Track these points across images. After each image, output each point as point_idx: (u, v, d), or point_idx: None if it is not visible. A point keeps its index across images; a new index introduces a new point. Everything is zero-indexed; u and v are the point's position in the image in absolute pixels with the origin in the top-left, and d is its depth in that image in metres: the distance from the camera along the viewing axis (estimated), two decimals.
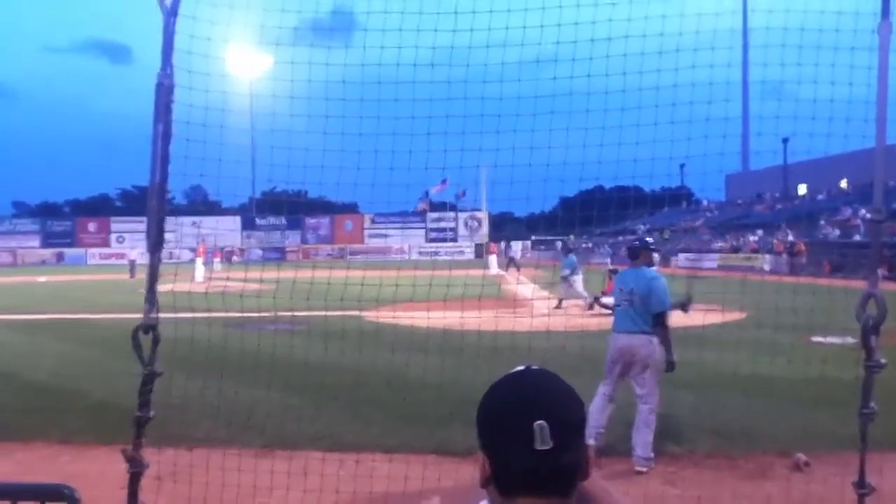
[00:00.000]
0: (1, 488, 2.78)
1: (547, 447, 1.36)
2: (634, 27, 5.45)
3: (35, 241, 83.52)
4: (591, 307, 19.79)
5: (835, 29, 4.84)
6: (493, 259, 44.52)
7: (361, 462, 6.70)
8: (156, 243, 3.82)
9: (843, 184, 61.96)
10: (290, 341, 10.01)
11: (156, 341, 3.70)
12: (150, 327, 3.68)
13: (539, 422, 1.37)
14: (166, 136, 3.75)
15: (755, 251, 49.08)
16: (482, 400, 1.50)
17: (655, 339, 7.21)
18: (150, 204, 3.80)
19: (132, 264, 47.34)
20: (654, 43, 5.51)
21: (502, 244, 56.02)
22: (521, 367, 1.53)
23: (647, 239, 8.18)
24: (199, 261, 35.71)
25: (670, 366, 7.27)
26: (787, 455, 7.04)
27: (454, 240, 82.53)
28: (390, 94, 5.65)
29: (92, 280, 43.33)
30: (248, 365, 9.05)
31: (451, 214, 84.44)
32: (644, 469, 6.85)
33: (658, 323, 7.25)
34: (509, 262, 43.15)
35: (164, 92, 3.71)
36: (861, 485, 4.15)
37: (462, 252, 75.95)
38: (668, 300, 7.36)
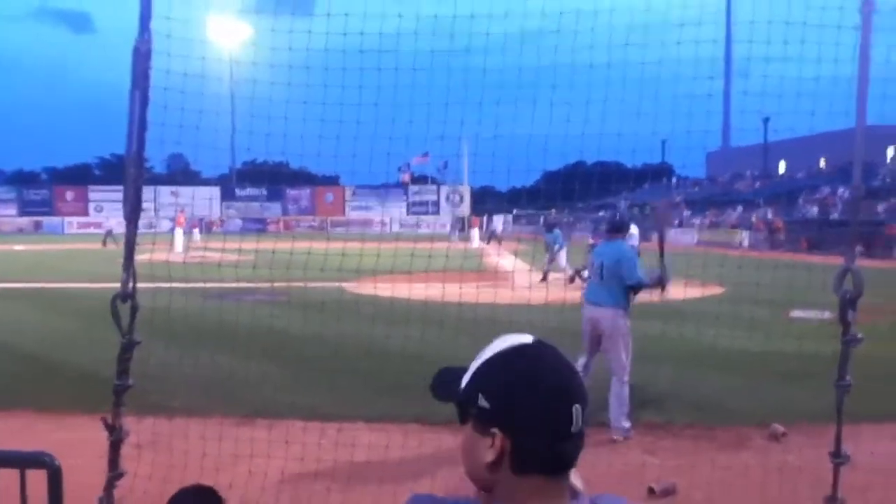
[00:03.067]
0: None
1: (578, 429, 1.35)
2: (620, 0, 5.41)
3: (12, 210, 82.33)
4: (571, 280, 19.88)
5: (821, 6, 4.80)
6: (475, 232, 44.54)
7: (342, 431, 6.72)
8: (133, 211, 3.77)
9: (822, 163, 62.44)
10: (270, 312, 10.00)
11: (134, 310, 3.67)
12: (127, 296, 3.65)
13: (576, 405, 1.35)
14: (143, 103, 3.69)
15: (735, 227, 49.49)
16: (506, 375, 1.38)
17: (622, 313, 7.23)
18: (128, 172, 3.75)
19: (108, 233, 46.83)
20: (639, 17, 5.48)
21: (484, 218, 56.08)
22: (529, 340, 1.43)
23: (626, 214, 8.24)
24: (179, 230, 35.40)
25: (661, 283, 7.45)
26: (764, 426, 7.16)
27: (436, 213, 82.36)
28: (373, 63, 5.58)
29: (70, 249, 42.89)
30: (226, 335, 9.03)
31: (433, 187, 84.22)
32: (619, 438, 6.94)
33: (634, 293, 7.35)
34: (491, 236, 43.26)
35: (142, 58, 3.63)
36: (837, 454, 4.22)
37: (444, 225, 75.92)
38: (639, 273, 7.32)
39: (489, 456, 1.36)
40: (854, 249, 4.39)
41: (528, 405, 1.34)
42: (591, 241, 23.48)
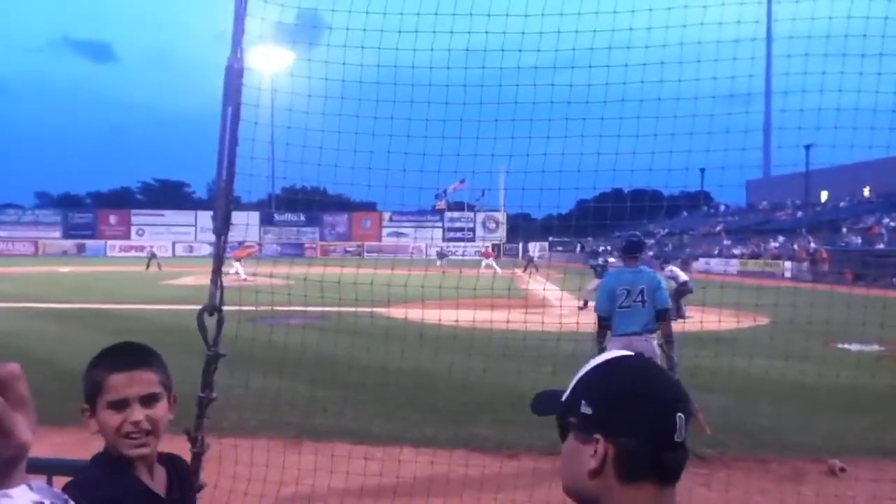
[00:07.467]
0: (38, 462, 2.83)
1: (682, 439, 1.36)
2: (654, 36, 5.37)
3: (57, 232, 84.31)
4: (585, 306, 20.30)
5: (881, 35, 4.77)
6: (489, 262, 43.65)
7: (388, 454, 6.74)
8: (222, 226, 3.81)
9: (866, 191, 61.38)
10: (318, 336, 10.07)
11: (220, 322, 3.72)
12: (215, 309, 3.69)
13: (679, 414, 1.36)
14: (235, 119, 3.76)
15: (776, 257, 48.70)
16: (610, 382, 1.41)
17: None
18: (219, 186, 3.80)
19: (152, 256, 47.85)
20: (673, 52, 5.42)
21: (520, 245, 55.92)
22: (626, 354, 1.49)
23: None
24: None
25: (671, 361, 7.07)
26: (819, 460, 6.99)
27: (472, 239, 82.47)
28: (405, 96, 5.57)
29: (114, 271, 43.70)
30: (275, 358, 9.11)
31: (470, 214, 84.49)
32: None
33: (662, 319, 7.24)
34: (528, 263, 43.10)
35: (235, 75, 3.74)
36: None
37: (479, 251, 76.06)
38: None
39: (592, 463, 1.35)
40: None
41: (635, 411, 1.35)
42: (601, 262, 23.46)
